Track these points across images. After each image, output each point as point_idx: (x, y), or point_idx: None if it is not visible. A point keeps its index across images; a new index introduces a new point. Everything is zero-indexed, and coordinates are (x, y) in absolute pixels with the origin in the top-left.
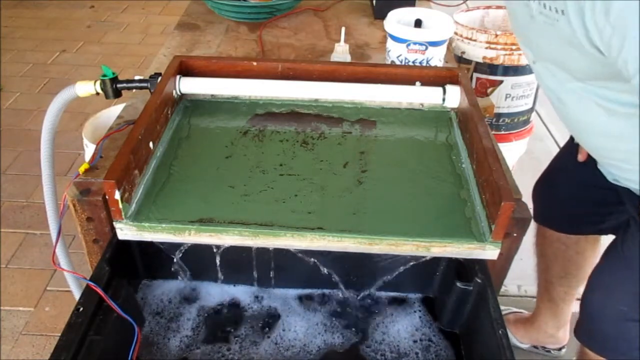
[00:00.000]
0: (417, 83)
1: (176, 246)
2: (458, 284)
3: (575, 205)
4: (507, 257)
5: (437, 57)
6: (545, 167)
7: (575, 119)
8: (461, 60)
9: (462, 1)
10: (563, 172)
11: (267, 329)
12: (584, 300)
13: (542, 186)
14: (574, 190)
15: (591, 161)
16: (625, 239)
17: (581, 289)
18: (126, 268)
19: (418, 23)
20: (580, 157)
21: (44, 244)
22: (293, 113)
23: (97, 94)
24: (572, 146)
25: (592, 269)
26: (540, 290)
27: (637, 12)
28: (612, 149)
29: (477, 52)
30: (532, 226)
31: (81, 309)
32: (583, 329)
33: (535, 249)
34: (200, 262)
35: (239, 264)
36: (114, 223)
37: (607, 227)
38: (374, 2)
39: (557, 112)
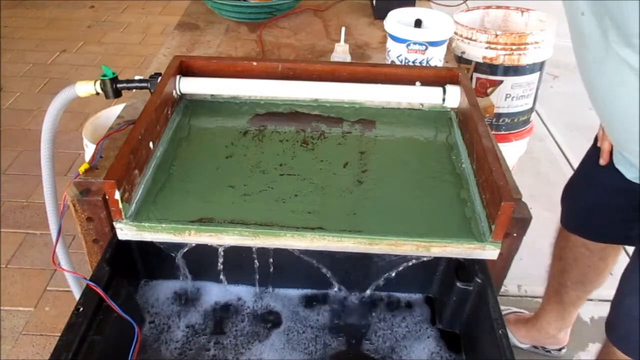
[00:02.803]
0: (417, 83)
1: (177, 246)
2: (458, 284)
3: (601, 211)
4: (507, 257)
5: (437, 57)
6: (573, 172)
7: (608, 90)
8: (461, 60)
9: (462, 1)
10: (586, 177)
11: (267, 330)
12: (617, 304)
13: (568, 192)
14: (599, 195)
15: (614, 164)
16: None
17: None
18: (126, 268)
19: (418, 23)
20: (602, 161)
21: (44, 244)
22: (293, 113)
23: (97, 94)
24: (595, 151)
25: (622, 272)
26: (549, 291)
27: None
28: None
29: (477, 52)
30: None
31: (81, 309)
32: (618, 333)
33: (554, 251)
34: (200, 262)
35: (239, 264)
36: (114, 223)
37: (635, 235)
38: (374, 2)
39: (587, 84)
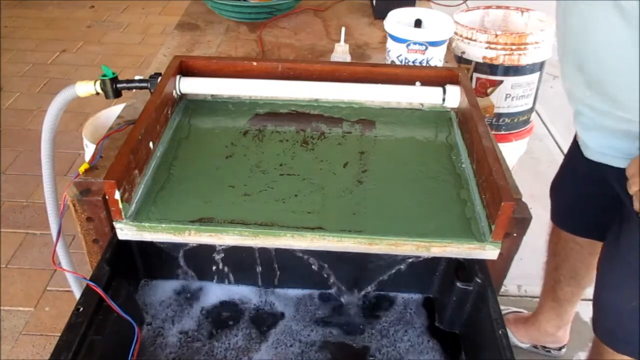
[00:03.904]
0: (417, 83)
1: (177, 246)
2: (458, 284)
3: (582, 204)
4: (507, 257)
5: (437, 57)
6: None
7: (582, 31)
8: (461, 60)
9: (462, 1)
10: (569, 171)
11: (267, 331)
12: (597, 300)
13: (554, 186)
14: (579, 188)
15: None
16: (621, 231)
17: (589, 291)
18: (126, 268)
19: (418, 23)
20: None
21: (44, 244)
22: (293, 113)
23: (97, 94)
24: (576, 145)
25: (597, 267)
26: (545, 288)
27: None
28: (615, 64)
29: (477, 52)
30: (546, 224)
31: (81, 309)
32: (603, 329)
33: (547, 247)
34: (200, 262)
35: (240, 264)
36: (114, 223)
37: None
38: (374, 2)
39: (564, 35)
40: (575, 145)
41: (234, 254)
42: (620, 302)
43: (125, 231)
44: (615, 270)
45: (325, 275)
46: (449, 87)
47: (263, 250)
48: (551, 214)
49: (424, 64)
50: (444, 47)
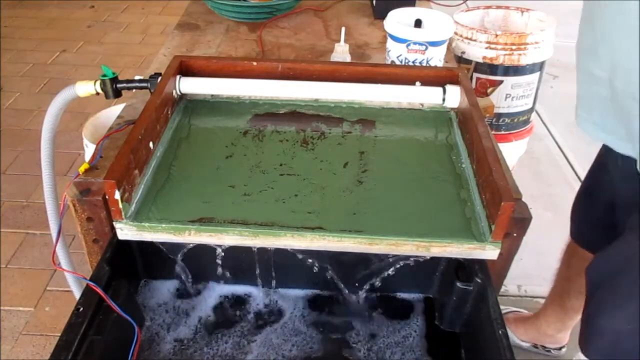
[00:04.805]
0: (417, 83)
1: (177, 246)
2: (458, 284)
3: (599, 228)
4: (507, 257)
5: (437, 57)
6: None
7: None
8: (461, 60)
9: (462, 1)
10: (588, 192)
11: (267, 330)
12: (590, 319)
13: (574, 205)
14: (597, 211)
15: (618, 177)
16: (615, 247)
17: None
18: (126, 268)
19: (418, 23)
20: None
21: (44, 244)
22: (293, 113)
23: (97, 94)
24: (597, 165)
25: (588, 283)
26: (553, 295)
27: None
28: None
29: (477, 52)
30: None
31: (81, 309)
32: (595, 348)
33: (563, 257)
34: (201, 262)
35: (240, 264)
36: (114, 223)
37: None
38: (374, 2)
39: (593, 13)
40: (594, 166)
41: (234, 254)
42: (618, 324)
43: (125, 231)
44: (614, 289)
45: (323, 276)
46: (449, 87)
47: (265, 250)
48: (570, 231)
49: (424, 64)
50: (444, 47)
